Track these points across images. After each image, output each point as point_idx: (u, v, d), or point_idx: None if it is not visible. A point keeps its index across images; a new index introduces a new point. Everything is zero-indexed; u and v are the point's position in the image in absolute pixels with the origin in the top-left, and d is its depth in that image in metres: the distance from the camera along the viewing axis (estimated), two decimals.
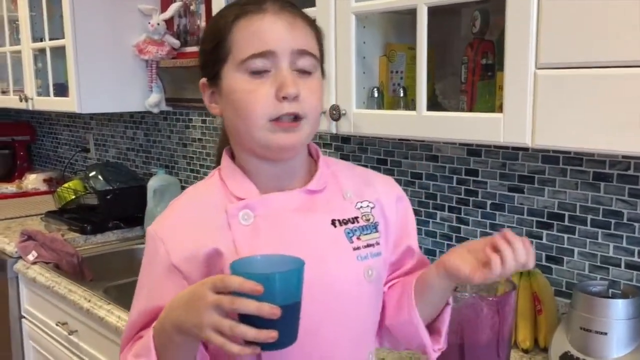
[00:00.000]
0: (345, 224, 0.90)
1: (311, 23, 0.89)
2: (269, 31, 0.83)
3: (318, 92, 0.87)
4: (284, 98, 0.82)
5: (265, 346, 0.73)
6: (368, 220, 0.93)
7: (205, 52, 0.90)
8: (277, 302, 0.72)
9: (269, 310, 0.71)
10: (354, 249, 0.89)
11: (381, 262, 0.94)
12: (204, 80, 0.91)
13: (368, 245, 0.91)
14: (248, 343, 0.73)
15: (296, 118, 0.84)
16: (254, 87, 0.83)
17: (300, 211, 0.89)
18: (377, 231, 0.93)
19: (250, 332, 0.72)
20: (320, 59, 0.90)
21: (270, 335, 0.72)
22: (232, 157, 0.94)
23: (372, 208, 0.94)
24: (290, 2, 0.89)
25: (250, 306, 0.71)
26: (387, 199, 0.97)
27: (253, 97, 0.83)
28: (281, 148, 0.85)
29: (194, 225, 0.88)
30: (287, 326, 0.74)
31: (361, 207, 0.93)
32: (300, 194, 0.90)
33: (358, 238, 0.90)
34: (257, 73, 0.83)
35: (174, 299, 0.80)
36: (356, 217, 0.92)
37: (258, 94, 0.83)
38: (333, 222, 0.90)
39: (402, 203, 1.00)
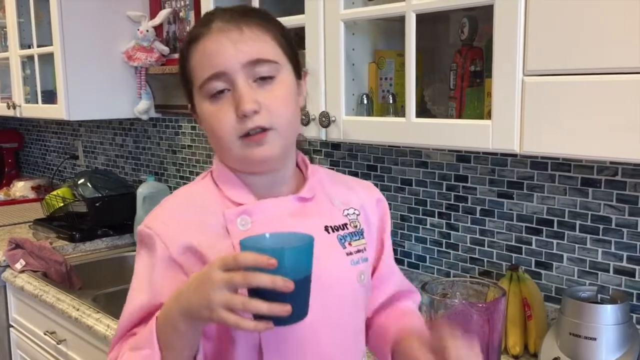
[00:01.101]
0: (337, 230, 0.91)
1: (266, 25, 0.86)
2: (215, 52, 0.82)
3: (284, 95, 0.85)
4: (244, 116, 0.82)
5: (278, 321, 0.72)
6: (355, 227, 0.94)
7: (180, 79, 0.91)
8: (289, 277, 0.71)
9: (283, 283, 0.71)
10: (347, 254, 0.90)
11: (369, 267, 0.96)
12: (189, 105, 0.92)
13: (358, 251, 0.92)
14: (259, 320, 0.72)
15: (264, 129, 0.83)
16: (216, 109, 0.83)
17: (295, 217, 0.89)
18: (363, 237, 0.94)
19: (263, 306, 0.71)
20: (290, 56, 0.88)
21: (285, 308, 0.71)
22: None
23: (357, 215, 0.95)
24: (242, 8, 0.87)
25: (264, 279, 0.70)
26: (369, 204, 0.98)
27: (217, 120, 0.83)
28: (259, 161, 0.85)
29: (189, 224, 0.87)
30: (298, 300, 0.73)
31: (348, 214, 0.94)
32: (293, 200, 0.90)
33: (349, 244, 0.91)
34: (217, 95, 0.83)
35: (182, 286, 0.79)
36: (345, 224, 0.93)
37: (221, 115, 0.83)
38: (326, 228, 0.90)
39: (381, 204, 1.01)
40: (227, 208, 0.87)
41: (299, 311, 0.74)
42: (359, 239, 0.93)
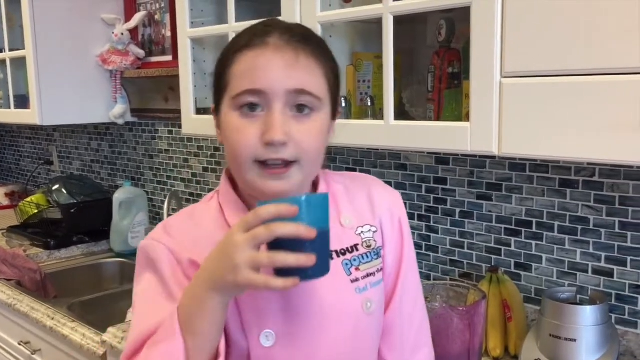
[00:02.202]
0: (344, 254, 0.86)
1: (321, 58, 0.82)
2: (264, 69, 0.78)
3: (317, 133, 0.80)
4: (269, 144, 0.77)
5: (303, 276, 0.71)
6: (369, 246, 0.88)
7: (214, 79, 0.86)
8: (310, 226, 0.71)
9: (306, 230, 0.69)
10: (352, 281, 0.85)
11: (382, 290, 0.89)
12: (213, 105, 0.88)
13: (368, 275, 0.86)
14: (283, 278, 0.70)
15: (287, 163, 0.79)
16: (243, 126, 0.79)
17: None
18: (378, 257, 0.88)
19: (290, 257, 0.69)
20: (333, 95, 0.84)
21: (310, 258, 0.70)
22: (232, 178, 0.88)
23: (374, 232, 0.89)
24: (303, 33, 0.82)
25: (288, 227, 0.69)
26: (389, 219, 0.91)
27: (241, 136, 0.79)
28: (272, 194, 0.79)
29: (192, 243, 0.83)
30: (321, 253, 0.72)
31: (362, 232, 0.88)
32: None
33: (357, 269, 0.86)
34: (249, 111, 0.79)
35: (204, 262, 0.76)
36: (356, 245, 0.87)
37: (246, 133, 0.78)
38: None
39: (402, 224, 0.93)
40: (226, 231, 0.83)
41: (322, 265, 0.73)
42: (370, 261, 0.87)
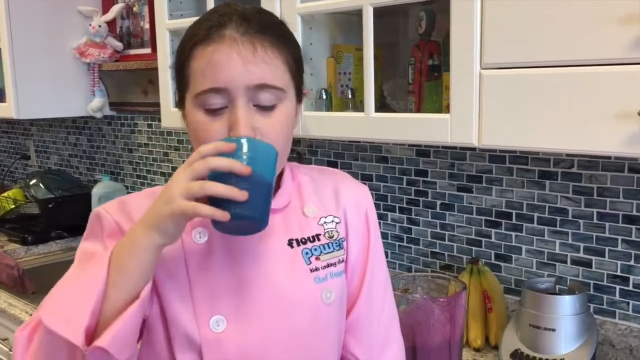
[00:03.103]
0: (304, 243, 0.85)
1: (281, 45, 0.80)
2: (222, 66, 0.76)
3: (283, 123, 0.80)
4: None
5: (236, 214, 0.71)
6: (331, 237, 0.87)
7: (174, 72, 0.85)
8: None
9: (241, 166, 0.71)
10: (312, 270, 0.84)
11: (343, 282, 0.88)
12: (177, 98, 0.87)
13: (328, 265, 0.86)
14: (213, 208, 0.71)
15: None
16: (209, 122, 0.78)
17: None
18: (340, 248, 0.88)
19: (221, 187, 0.70)
20: (296, 80, 0.83)
21: (242, 193, 0.70)
22: None
23: (337, 223, 0.88)
24: (261, 21, 0.80)
25: (224, 161, 0.71)
26: (354, 211, 0.90)
27: (206, 133, 0.78)
28: None
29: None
30: (256, 197, 0.72)
31: (325, 222, 0.88)
32: None
33: (317, 258, 0.85)
34: (212, 109, 0.78)
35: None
36: (318, 235, 0.87)
37: (211, 130, 0.78)
38: (290, 243, 0.85)
39: (367, 216, 0.92)
40: None
41: (257, 210, 0.72)
42: (332, 251, 0.87)
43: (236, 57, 0.77)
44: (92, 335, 0.72)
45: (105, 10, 2.31)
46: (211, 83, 0.77)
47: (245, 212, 0.71)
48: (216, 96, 0.78)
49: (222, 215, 0.70)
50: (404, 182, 1.60)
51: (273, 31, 0.80)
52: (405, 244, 1.62)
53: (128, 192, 2.41)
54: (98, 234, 0.83)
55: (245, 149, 0.73)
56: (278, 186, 0.88)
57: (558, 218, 1.34)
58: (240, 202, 0.71)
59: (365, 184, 0.97)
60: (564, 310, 1.18)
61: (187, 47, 0.81)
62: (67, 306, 0.74)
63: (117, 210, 0.84)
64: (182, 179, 0.72)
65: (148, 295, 0.76)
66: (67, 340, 0.71)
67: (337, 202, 0.90)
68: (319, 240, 0.86)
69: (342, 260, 0.88)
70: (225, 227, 0.74)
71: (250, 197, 0.71)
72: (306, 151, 1.80)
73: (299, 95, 0.86)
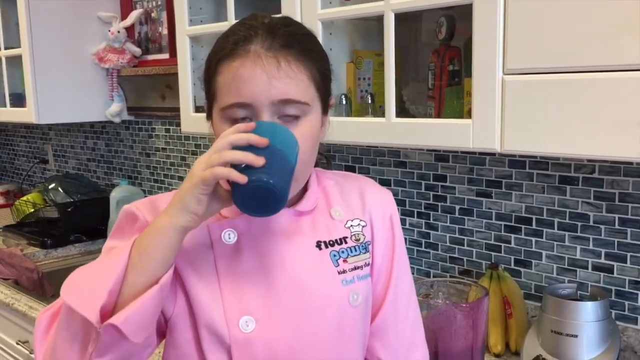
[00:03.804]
0: (332, 245, 0.86)
1: (306, 59, 0.81)
2: (246, 81, 0.78)
3: (307, 136, 0.81)
4: None
5: (252, 179, 0.71)
6: (358, 240, 0.88)
7: (203, 84, 0.86)
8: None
9: (258, 138, 0.73)
10: (339, 272, 0.85)
11: (369, 285, 0.89)
12: (206, 109, 0.88)
13: (355, 268, 0.86)
14: (231, 169, 0.72)
15: None
16: None
17: (285, 233, 0.85)
18: (366, 252, 0.88)
19: (237, 153, 0.72)
20: (322, 92, 0.83)
21: (258, 158, 0.72)
22: None
23: (363, 227, 0.89)
24: (287, 35, 0.80)
25: (241, 135, 0.73)
26: (380, 215, 0.91)
27: None
28: None
29: None
30: (274, 167, 0.73)
31: (351, 225, 0.89)
32: (287, 214, 0.86)
33: (345, 260, 0.86)
34: (237, 121, 0.79)
35: None
36: (345, 237, 0.87)
37: None
38: (318, 244, 0.86)
39: (391, 221, 0.93)
40: (213, 220, 0.84)
41: (274, 178, 0.72)
42: (358, 254, 0.87)
43: (260, 73, 0.77)
44: (108, 316, 0.73)
45: (124, 16, 2.33)
46: (236, 98, 0.78)
47: (263, 176, 0.72)
48: (241, 110, 0.79)
49: (239, 177, 0.71)
50: (422, 187, 1.60)
51: (299, 44, 0.81)
52: (423, 248, 1.62)
53: (145, 196, 2.42)
54: (126, 231, 0.84)
55: (264, 126, 0.75)
56: (305, 189, 0.89)
57: (579, 224, 1.34)
58: (258, 168, 0.72)
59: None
60: (587, 316, 1.18)
61: (214, 62, 0.82)
62: (86, 284, 0.76)
63: (147, 207, 0.86)
64: (204, 157, 0.74)
65: (168, 284, 0.76)
66: (82, 318, 0.72)
67: (362, 206, 0.91)
68: (345, 243, 0.87)
69: (368, 264, 0.89)
70: (244, 200, 0.74)
71: (268, 164, 0.72)
72: (324, 155, 1.80)
73: (325, 107, 0.86)
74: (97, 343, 0.73)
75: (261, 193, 0.72)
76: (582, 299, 1.25)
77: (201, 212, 0.75)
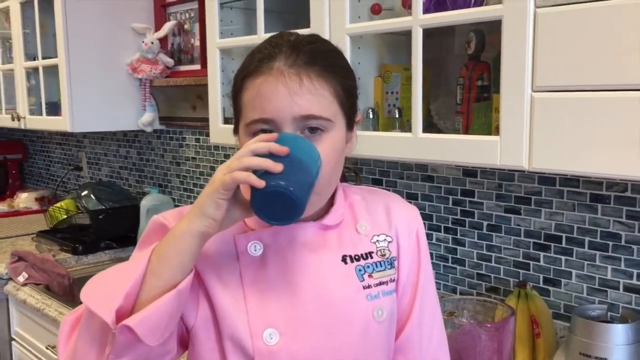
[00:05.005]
0: (358, 260, 0.86)
1: (329, 76, 0.81)
2: (269, 97, 0.79)
3: (329, 152, 0.81)
4: None
5: (270, 185, 0.72)
6: (384, 255, 0.88)
7: (231, 101, 0.88)
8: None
9: (278, 146, 0.74)
10: (364, 287, 0.85)
11: (394, 301, 0.89)
12: (233, 125, 0.89)
13: (380, 283, 0.86)
14: (249, 173, 0.73)
15: None
16: None
17: (311, 246, 0.85)
18: (392, 267, 0.88)
19: (255, 159, 0.73)
20: (346, 109, 0.84)
21: (276, 164, 0.73)
22: None
23: (389, 242, 0.89)
24: (311, 52, 0.81)
25: (262, 144, 0.74)
26: (406, 231, 0.91)
27: None
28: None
29: None
30: (293, 175, 0.73)
31: (377, 241, 0.89)
32: (313, 228, 0.86)
33: (370, 275, 0.86)
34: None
35: None
36: (370, 252, 0.87)
37: None
38: (344, 259, 0.86)
39: (417, 237, 0.92)
40: (240, 232, 0.85)
41: (292, 185, 0.73)
42: (384, 270, 0.87)
43: (282, 89, 0.79)
44: (125, 318, 0.74)
45: (157, 28, 2.37)
46: (260, 114, 0.80)
47: (281, 182, 0.72)
48: (265, 126, 0.80)
49: (257, 181, 0.72)
50: (449, 202, 1.59)
51: (322, 61, 0.82)
52: (450, 264, 1.60)
53: (175, 205, 2.45)
54: (154, 241, 0.85)
55: (285, 137, 0.77)
56: (331, 204, 0.89)
57: (610, 243, 1.31)
58: (277, 174, 0.73)
59: (410, 202, 0.97)
60: (617, 339, 1.15)
61: (240, 79, 0.84)
62: (105, 287, 0.77)
63: (175, 217, 0.87)
64: (225, 163, 0.76)
65: (186, 290, 0.77)
66: (101, 320, 0.73)
67: (389, 222, 0.91)
68: (371, 257, 0.87)
69: (394, 280, 0.88)
70: (261, 205, 0.74)
71: (286, 171, 0.73)
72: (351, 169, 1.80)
73: (350, 123, 0.86)
74: (113, 345, 0.74)
75: (278, 199, 0.73)
76: (612, 320, 1.22)
77: (219, 217, 0.75)
